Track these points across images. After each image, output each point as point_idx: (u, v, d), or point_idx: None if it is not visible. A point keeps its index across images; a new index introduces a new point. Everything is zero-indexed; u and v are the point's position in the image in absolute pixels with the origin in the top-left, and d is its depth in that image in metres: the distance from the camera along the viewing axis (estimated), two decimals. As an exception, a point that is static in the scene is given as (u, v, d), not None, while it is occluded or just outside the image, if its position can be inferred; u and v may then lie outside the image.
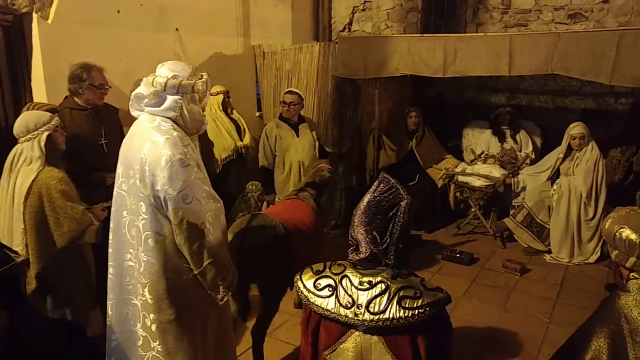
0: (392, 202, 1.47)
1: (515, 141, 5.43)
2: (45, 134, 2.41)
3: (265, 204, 4.38)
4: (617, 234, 1.71)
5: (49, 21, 3.31)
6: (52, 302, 2.48)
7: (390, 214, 1.46)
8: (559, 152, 4.66)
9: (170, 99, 1.93)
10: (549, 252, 4.58)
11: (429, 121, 5.66)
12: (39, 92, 3.33)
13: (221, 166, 4.25)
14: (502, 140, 5.44)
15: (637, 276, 1.67)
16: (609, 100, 5.34)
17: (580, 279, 4.15)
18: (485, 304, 3.74)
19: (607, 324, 1.65)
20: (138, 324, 2.01)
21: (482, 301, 3.79)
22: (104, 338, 2.12)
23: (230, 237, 2.63)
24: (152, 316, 1.97)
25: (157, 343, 1.99)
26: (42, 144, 2.39)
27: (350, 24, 6.37)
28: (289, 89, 4.46)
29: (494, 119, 5.52)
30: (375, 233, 1.44)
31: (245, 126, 4.53)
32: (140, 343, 2.03)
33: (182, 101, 1.95)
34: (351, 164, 5.37)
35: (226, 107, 4.40)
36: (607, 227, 1.78)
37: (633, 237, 1.67)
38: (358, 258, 1.47)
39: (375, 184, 1.53)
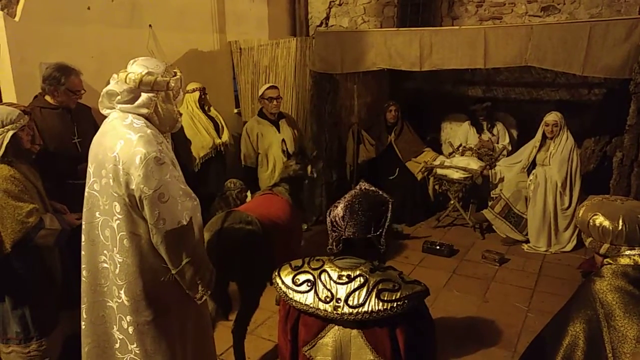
0: (380, 198, 1.55)
1: (492, 133, 5.49)
2: (10, 133, 2.33)
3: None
4: (591, 220, 1.73)
5: (16, 19, 3.22)
6: (10, 302, 2.40)
7: (383, 208, 1.52)
8: (534, 142, 4.72)
9: (145, 96, 1.89)
10: (527, 241, 4.65)
11: (407, 114, 5.69)
12: (8, 92, 3.25)
13: (199, 164, 4.20)
14: (479, 132, 5.50)
15: (610, 261, 1.70)
16: (582, 91, 5.44)
17: (557, 267, 4.23)
18: (465, 294, 3.78)
19: (582, 309, 1.67)
20: (114, 326, 1.97)
21: (462, 291, 3.83)
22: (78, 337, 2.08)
23: (206, 235, 2.60)
24: (128, 318, 1.93)
25: (135, 345, 1.95)
26: (5, 142, 2.31)
27: (327, 18, 6.34)
28: (270, 84, 4.39)
29: (471, 111, 5.56)
30: (371, 221, 1.47)
31: (223, 123, 4.48)
32: (117, 346, 1.99)
33: (156, 98, 1.91)
34: (331, 159, 5.37)
35: (203, 104, 4.35)
36: (580, 214, 1.80)
37: (606, 223, 1.69)
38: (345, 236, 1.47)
39: (355, 189, 1.58)
